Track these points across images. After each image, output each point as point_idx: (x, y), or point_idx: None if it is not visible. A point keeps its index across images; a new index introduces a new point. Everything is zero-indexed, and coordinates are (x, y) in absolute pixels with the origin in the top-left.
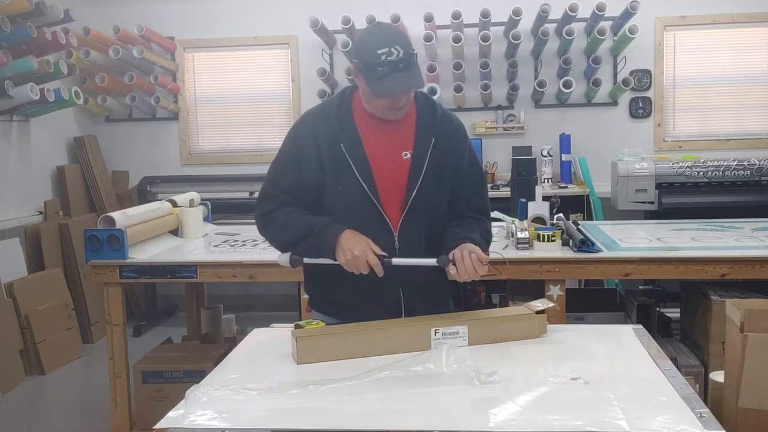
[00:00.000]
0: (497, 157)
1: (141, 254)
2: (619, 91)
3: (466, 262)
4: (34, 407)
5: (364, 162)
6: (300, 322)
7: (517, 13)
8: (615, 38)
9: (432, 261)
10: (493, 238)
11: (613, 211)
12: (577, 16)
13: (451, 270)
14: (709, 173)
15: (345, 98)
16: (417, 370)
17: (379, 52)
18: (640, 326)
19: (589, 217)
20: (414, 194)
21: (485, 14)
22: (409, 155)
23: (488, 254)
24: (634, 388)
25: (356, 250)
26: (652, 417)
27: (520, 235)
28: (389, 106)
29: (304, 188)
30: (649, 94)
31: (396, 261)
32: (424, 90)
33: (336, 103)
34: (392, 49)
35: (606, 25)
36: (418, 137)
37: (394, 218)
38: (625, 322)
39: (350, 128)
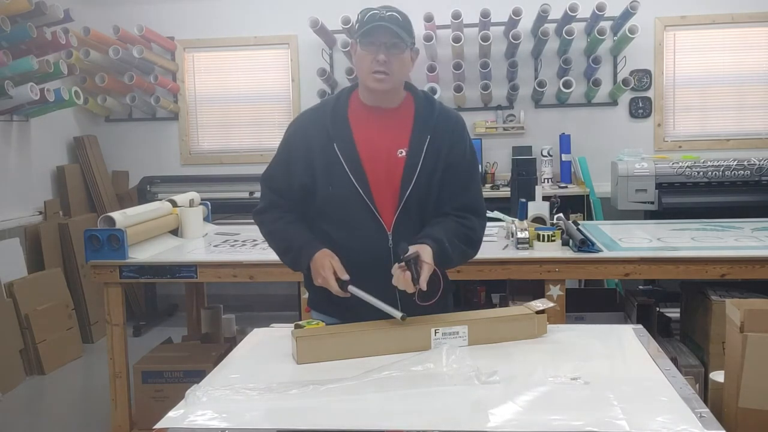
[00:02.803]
0: (497, 157)
1: (141, 254)
2: (619, 91)
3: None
4: (34, 407)
5: (356, 161)
6: (300, 322)
7: (517, 13)
8: (615, 38)
9: (390, 309)
10: (493, 238)
11: (613, 211)
12: (577, 16)
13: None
14: (709, 173)
15: (341, 98)
16: (417, 370)
17: (373, 12)
18: (640, 326)
19: (589, 217)
20: (408, 193)
21: (485, 14)
22: (404, 153)
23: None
24: (634, 388)
25: (318, 277)
26: (652, 417)
27: (520, 235)
28: (371, 67)
29: (292, 188)
30: (649, 94)
31: (351, 289)
32: (425, 89)
33: (331, 103)
34: (385, 11)
35: (606, 25)
36: (414, 135)
37: (387, 217)
38: (625, 322)
39: (343, 127)
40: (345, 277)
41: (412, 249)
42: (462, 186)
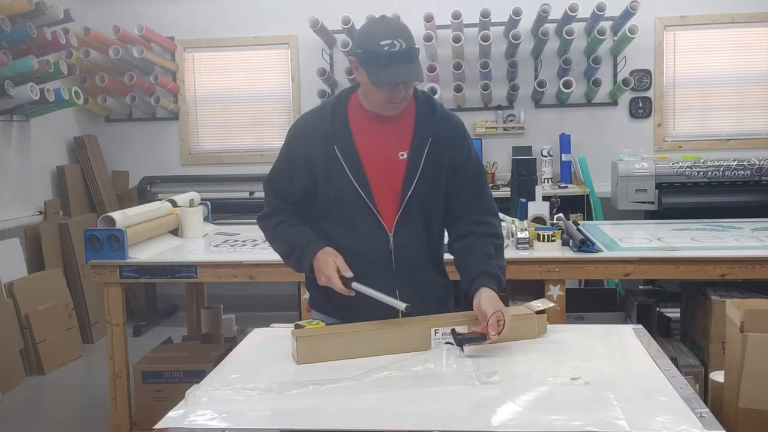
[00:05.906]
0: (497, 157)
1: (141, 254)
2: (619, 91)
3: (496, 329)
4: (34, 407)
5: (356, 163)
6: (300, 322)
7: (517, 13)
8: (615, 38)
9: (396, 302)
10: None
11: (613, 211)
12: (577, 16)
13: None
14: (709, 173)
15: (341, 100)
16: (417, 370)
17: (382, 43)
18: (640, 326)
19: (589, 217)
20: (409, 195)
21: (485, 14)
22: (405, 155)
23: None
24: (634, 388)
25: (322, 276)
26: (652, 417)
27: (520, 235)
28: (387, 99)
29: (294, 191)
30: (649, 94)
31: (355, 286)
32: (425, 89)
33: (332, 105)
34: (395, 41)
35: (606, 25)
36: (416, 137)
37: (388, 219)
38: (625, 322)
39: (344, 129)
40: (348, 274)
41: (475, 303)
42: (477, 190)
